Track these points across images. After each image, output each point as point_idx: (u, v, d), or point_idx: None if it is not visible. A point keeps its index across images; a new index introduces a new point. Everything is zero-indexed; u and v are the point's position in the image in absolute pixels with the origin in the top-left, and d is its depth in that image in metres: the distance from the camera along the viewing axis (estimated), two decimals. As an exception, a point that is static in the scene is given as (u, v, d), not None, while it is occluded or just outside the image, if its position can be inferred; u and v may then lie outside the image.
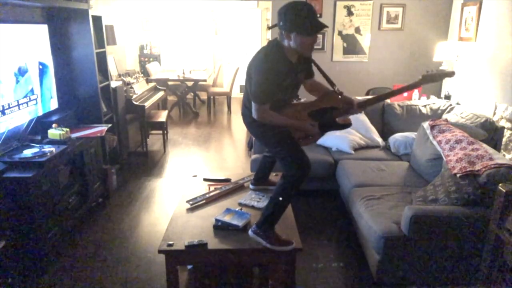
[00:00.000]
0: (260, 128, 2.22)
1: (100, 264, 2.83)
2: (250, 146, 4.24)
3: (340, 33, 5.56)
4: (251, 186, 2.78)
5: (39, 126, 3.27)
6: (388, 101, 4.55)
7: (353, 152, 3.88)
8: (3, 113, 2.76)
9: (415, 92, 4.70)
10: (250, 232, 2.16)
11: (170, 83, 7.46)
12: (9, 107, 2.83)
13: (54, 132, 3.19)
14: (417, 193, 2.82)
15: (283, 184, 2.17)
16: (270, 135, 2.22)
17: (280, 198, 2.15)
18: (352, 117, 4.42)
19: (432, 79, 2.18)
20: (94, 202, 3.66)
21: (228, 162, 5.13)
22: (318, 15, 5.47)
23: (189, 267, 2.71)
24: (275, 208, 2.16)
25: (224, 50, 9.00)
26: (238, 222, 2.24)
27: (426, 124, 3.43)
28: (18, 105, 2.94)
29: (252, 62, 2.10)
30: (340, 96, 2.28)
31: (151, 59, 8.42)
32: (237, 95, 9.02)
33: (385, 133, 4.23)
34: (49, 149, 2.94)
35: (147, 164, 4.93)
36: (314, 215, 3.58)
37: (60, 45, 3.78)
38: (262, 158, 2.76)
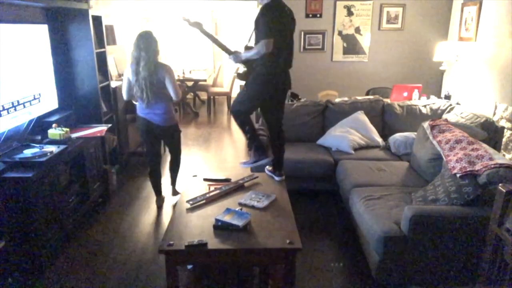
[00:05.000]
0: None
1: (100, 264, 2.83)
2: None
3: (340, 33, 5.56)
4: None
5: (39, 126, 3.28)
6: (388, 101, 4.55)
7: (353, 152, 3.88)
8: (3, 113, 2.76)
9: (415, 92, 4.70)
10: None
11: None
12: (9, 107, 2.83)
13: (54, 132, 3.19)
14: (417, 193, 2.82)
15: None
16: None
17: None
18: (352, 117, 4.45)
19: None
20: (94, 202, 3.66)
21: (228, 162, 5.13)
22: (318, 15, 5.47)
23: (189, 267, 2.71)
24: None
25: (224, 50, 8.99)
26: (238, 222, 2.24)
27: (426, 124, 3.43)
28: (18, 105, 2.94)
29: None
30: None
31: (151, 59, 8.41)
32: (237, 95, 9.01)
33: (385, 133, 4.23)
34: (49, 149, 2.93)
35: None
36: (314, 215, 3.58)
37: (60, 45, 3.78)
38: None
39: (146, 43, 3.17)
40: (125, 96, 3.42)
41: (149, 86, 3.19)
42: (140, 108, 3.37)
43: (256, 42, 2.80)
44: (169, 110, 3.40)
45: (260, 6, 2.86)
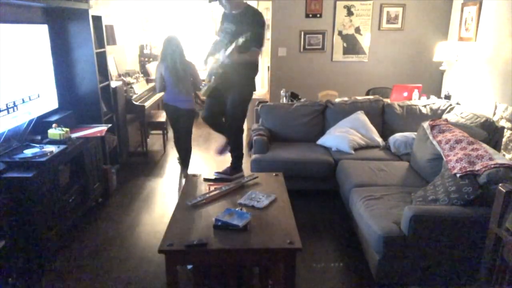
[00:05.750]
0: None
1: (100, 264, 2.83)
2: (250, 146, 4.25)
3: (340, 33, 5.56)
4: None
5: (39, 126, 3.27)
6: (388, 101, 4.55)
7: (353, 152, 3.88)
8: (3, 113, 2.76)
9: (415, 92, 4.70)
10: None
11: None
12: (9, 107, 2.83)
13: (54, 132, 3.19)
14: (417, 193, 2.82)
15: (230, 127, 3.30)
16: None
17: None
18: (352, 117, 4.47)
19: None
20: (94, 202, 3.67)
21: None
22: (318, 15, 5.47)
23: (189, 267, 2.70)
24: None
25: (224, 50, 9.00)
26: (238, 222, 2.24)
27: (426, 124, 3.43)
28: (18, 105, 2.94)
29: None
30: None
31: (151, 59, 8.41)
32: (237, 95, 9.01)
33: (385, 133, 4.23)
34: (49, 149, 2.94)
35: (147, 164, 4.93)
36: (314, 215, 3.58)
37: (60, 45, 3.78)
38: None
39: (178, 45, 4.01)
40: (158, 89, 4.23)
41: (182, 78, 4.03)
42: (168, 97, 4.15)
43: (233, 41, 2.84)
44: (192, 97, 4.30)
45: (242, 10, 2.92)
